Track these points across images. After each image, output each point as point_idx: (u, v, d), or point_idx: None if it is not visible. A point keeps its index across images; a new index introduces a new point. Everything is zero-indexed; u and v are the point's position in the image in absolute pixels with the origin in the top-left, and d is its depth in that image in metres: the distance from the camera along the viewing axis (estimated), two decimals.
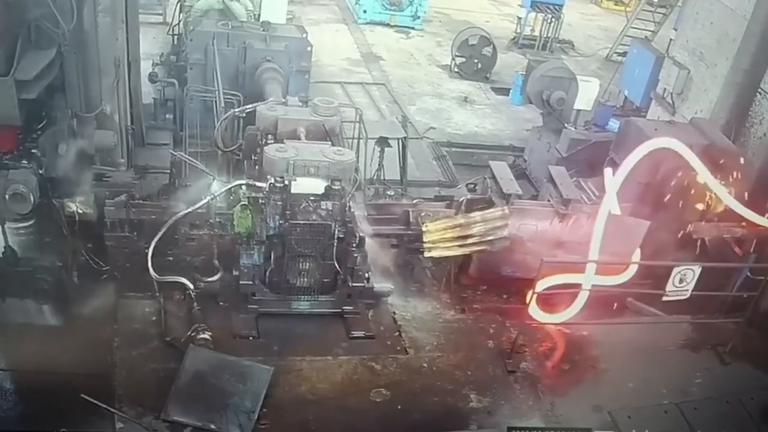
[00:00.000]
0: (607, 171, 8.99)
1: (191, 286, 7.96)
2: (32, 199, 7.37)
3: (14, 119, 7.14)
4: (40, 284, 7.74)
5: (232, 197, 8.08)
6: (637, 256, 8.75)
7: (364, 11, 22.25)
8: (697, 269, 8.30)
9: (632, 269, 8.64)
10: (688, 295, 8.43)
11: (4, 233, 7.69)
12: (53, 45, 7.57)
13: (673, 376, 8.09)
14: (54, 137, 7.79)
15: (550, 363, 8.10)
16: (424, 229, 8.63)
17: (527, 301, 7.99)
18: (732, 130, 10.65)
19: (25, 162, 7.53)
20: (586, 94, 12.38)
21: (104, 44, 8.33)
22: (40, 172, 7.59)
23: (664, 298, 8.50)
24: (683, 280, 8.32)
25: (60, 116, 7.91)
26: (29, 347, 7.22)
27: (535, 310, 8.09)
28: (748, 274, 8.99)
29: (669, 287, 8.33)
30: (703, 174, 8.88)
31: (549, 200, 8.99)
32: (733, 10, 11.35)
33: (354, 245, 8.06)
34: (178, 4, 13.69)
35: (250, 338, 7.76)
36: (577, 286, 8.34)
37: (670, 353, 8.49)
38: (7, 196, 7.27)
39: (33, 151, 7.64)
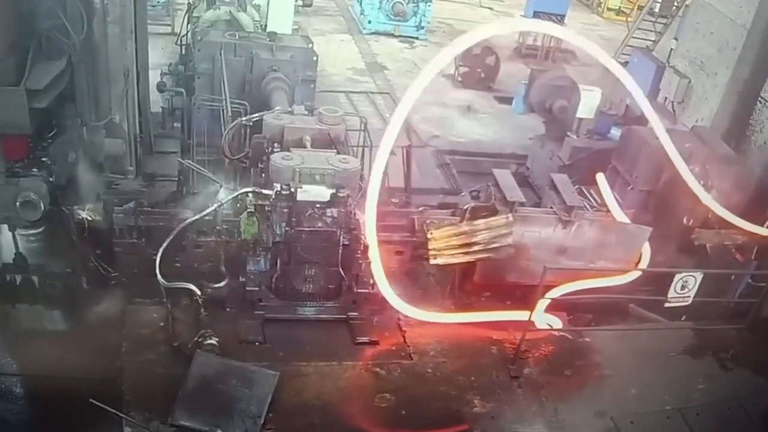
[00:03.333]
0: (599, 176, 9.12)
1: (198, 292, 7.95)
2: (42, 207, 7.43)
3: (25, 128, 7.23)
4: (49, 290, 7.86)
5: (239, 204, 8.08)
6: (644, 262, 8.84)
7: (369, 22, 22.39)
8: (699, 276, 8.38)
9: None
10: (690, 301, 8.52)
11: (14, 240, 7.79)
12: (64, 55, 7.69)
13: (676, 382, 8.13)
14: (64, 146, 7.88)
15: (553, 369, 8.11)
16: (429, 236, 8.64)
17: (531, 309, 8.03)
18: (732, 138, 10.74)
19: (36, 170, 7.58)
20: (588, 103, 12.37)
21: (114, 54, 8.44)
22: (51, 179, 7.62)
23: (667, 305, 8.59)
24: (685, 286, 8.40)
25: (70, 125, 8.01)
26: (39, 352, 7.29)
27: (540, 318, 8.15)
28: (750, 280, 9.07)
29: (671, 294, 8.43)
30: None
31: (552, 207, 9.06)
32: (733, 20, 11.45)
33: (359, 252, 8.10)
34: (186, 15, 13.80)
35: (257, 344, 7.76)
36: (581, 291, 8.43)
37: (673, 359, 8.52)
38: (17, 204, 7.33)
39: (43, 159, 7.69)
